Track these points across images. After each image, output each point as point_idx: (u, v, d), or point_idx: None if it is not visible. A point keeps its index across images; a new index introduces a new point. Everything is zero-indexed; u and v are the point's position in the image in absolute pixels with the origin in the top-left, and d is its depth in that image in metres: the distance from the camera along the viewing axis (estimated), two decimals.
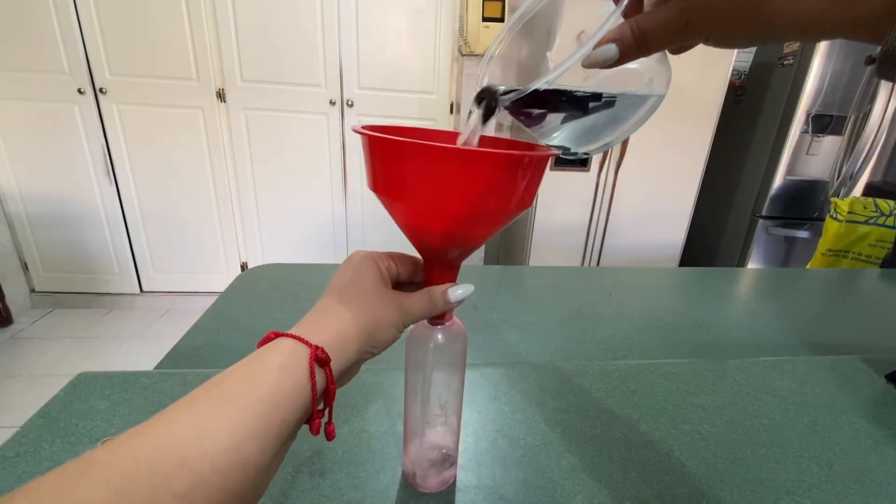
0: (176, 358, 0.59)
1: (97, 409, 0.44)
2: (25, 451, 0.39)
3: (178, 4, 1.78)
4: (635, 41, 0.21)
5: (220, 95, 1.94)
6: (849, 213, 1.51)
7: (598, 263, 2.30)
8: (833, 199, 1.55)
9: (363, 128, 0.27)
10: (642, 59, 0.24)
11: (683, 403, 0.49)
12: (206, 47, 1.86)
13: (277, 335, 0.25)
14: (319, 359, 0.24)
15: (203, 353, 0.60)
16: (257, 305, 0.73)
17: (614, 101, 0.26)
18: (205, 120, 1.96)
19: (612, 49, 0.21)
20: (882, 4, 0.16)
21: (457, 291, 0.30)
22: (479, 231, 0.29)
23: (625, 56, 0.22)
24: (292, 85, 1.97)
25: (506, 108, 0.27)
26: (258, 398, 0.21)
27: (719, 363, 0.57)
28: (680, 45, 0.22)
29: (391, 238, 2.27)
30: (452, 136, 0.35)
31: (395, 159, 0.26)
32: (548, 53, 0.27)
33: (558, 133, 0.28)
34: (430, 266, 0.31)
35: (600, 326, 0.72)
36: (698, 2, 0.20)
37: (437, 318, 0.33)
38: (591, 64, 0.22)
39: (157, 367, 0.56)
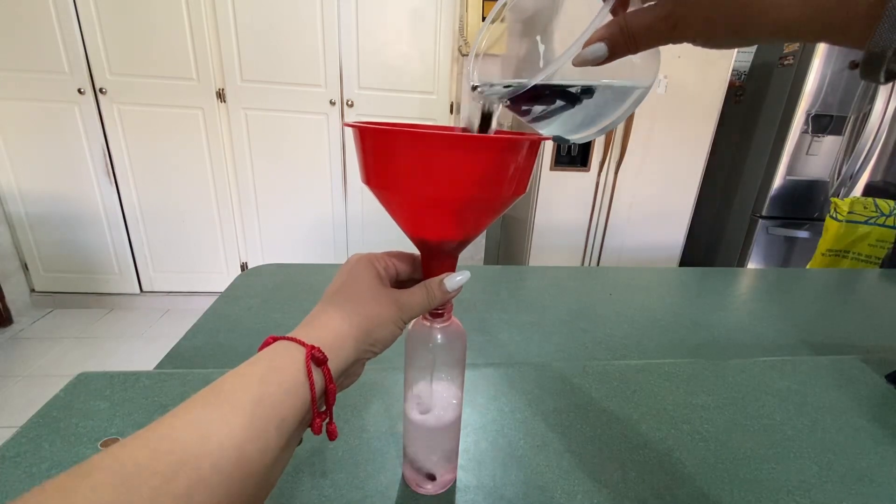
0: (176, 358, 0.59)
1: (97, 409, 0.44)
2: (26, 451, 0.39)
3: (179, 4, 1.78)
4: (624, 40, 0.22)
5: (221, 95, 1.94)
6: (849, 213, 1.51)
7: (598, 263, 2.31)
8: (833, 199, 1.55)
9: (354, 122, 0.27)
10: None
11: (683, 403, 0.49)
12: (206, 47, 1.86)
13: (275, 339, 0.25)
14: (316, 358, 0.24)
15: (203, 354, 0.60)
16: (257, 306, 0.73)
17: (602, 92, 0.26)
18: (205, 120, 1.96)
19: (601, 48, 0.22)
20: (865, 9, 0.16)
21: (454, 279, 0.30)
22: (474, 219, 0.28)
23: (614, 54, 0.22)
24: (292, 85, 1.97)
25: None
26: (256, 399, 0.21)
27: (719, 363, 0.57)
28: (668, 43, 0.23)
29: (391, 238, 2.27)
30: (443, 130, 0.35)
31: (386, 150, 0.26)
32: (537, 37, 0.27)
33: (550, 123, 0.28)
34: (428, 259, 0.32)
35: (600, 326, 0.72)
36: (685, 5, 0.20)
37: (437, 314, 0.32)
38: (580, 63, 0.22)
39: (157, 368, 0.56)
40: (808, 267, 1.85)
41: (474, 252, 2.36)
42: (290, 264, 0.90)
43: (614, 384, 0.52)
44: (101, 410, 0.44)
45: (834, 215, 1.55)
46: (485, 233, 2.34)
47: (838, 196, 2.06)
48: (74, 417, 0.43)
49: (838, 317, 0.81)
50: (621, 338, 0.69)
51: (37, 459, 0.38)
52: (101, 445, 0.40)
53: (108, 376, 0.48)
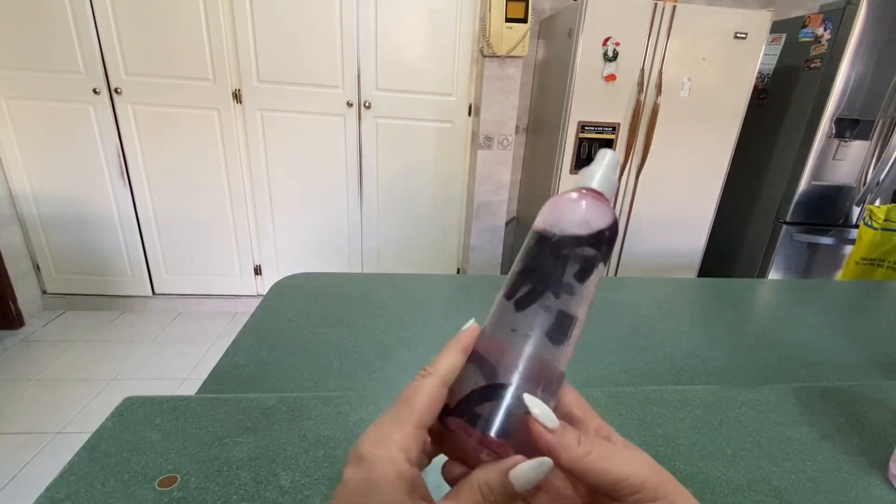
0: (220, 378, 0.55)
1: (148, 440, 0.40)
2: (76, 492, 0.35)
3: (196, 4, 1.75)
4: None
5: (237, 96, 1.90)
6: (885, 220, 1.46)
7: (616, 268, 2.26)
8: (869, 207, 1.51)
9: None
10: None
11: (779, 437, 0.45)
12: (222, 47, 1.83)
13: None
14: None
15: (247, 373, 0.56)
16: (297, 319, 0.69)
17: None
18: (220, 121, 1.93)
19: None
20: None
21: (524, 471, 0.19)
22: None
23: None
24: (309, 86, 1.93)
25: None
26: None
27: (802, 389, 0.53)
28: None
29: (408, 239, 2.23)
30: None
31: None
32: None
33: None
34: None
35: (660, 345, 0.68)
36: None
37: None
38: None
39: (201, 389, 0.53)
40: (839, 275, 1.81)
41: (491, 258, 2.32)
42: (325, 273, 0.87)
43: (698, 413, 0.48)
44: (154, 443, 0.40)
45: (869, 223, 1.50)
46: (501, 239, 2.30)
47: (864, 202, 2.01)
48: (125, 451, 0.39)
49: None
50: (684, 357, 0.65)
51: (90, 501, 0.35)
52: (158, 485, 0.36)
53: (156, 402, 0.45)
